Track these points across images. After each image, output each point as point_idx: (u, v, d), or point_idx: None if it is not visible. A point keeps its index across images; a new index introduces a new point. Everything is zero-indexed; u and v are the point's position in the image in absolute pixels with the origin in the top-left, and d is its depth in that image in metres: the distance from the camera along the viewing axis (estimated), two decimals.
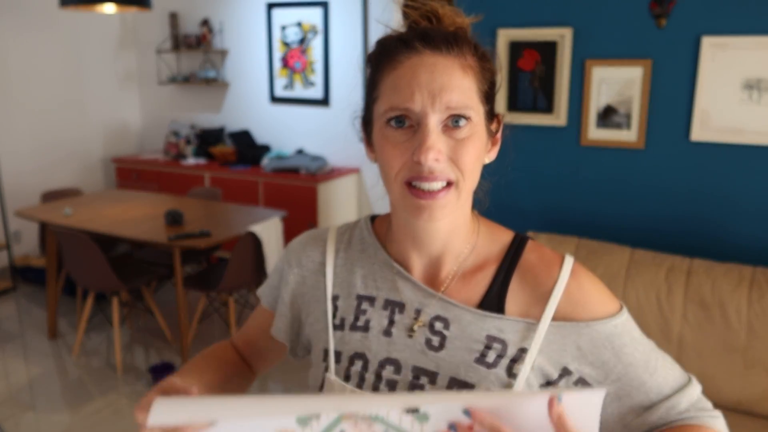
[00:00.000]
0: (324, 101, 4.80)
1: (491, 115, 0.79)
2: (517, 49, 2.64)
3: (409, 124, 0.73)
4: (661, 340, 2.19)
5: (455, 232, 0.80)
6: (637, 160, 2.53)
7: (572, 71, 2.57)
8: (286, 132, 5.05)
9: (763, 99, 2.29)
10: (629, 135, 2.51)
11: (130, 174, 5.31)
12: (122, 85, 5.62)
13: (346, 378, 0.81)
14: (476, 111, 0.74)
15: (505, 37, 2.64)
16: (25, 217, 3.67)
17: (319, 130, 4.87)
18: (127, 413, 3.00)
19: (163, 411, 0.69)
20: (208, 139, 5.22)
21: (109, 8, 3.60)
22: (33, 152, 4.86)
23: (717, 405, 2.37)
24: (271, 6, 4.86)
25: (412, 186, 0.73)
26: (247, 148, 4.97)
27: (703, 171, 2.44)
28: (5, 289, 4.49)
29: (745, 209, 2.39)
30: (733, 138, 2.35)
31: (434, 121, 0.71)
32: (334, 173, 4.60)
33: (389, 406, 0.70)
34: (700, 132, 2.40)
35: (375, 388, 0.79)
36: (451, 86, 0.72)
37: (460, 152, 0.72)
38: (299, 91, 4.90)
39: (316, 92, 4.81)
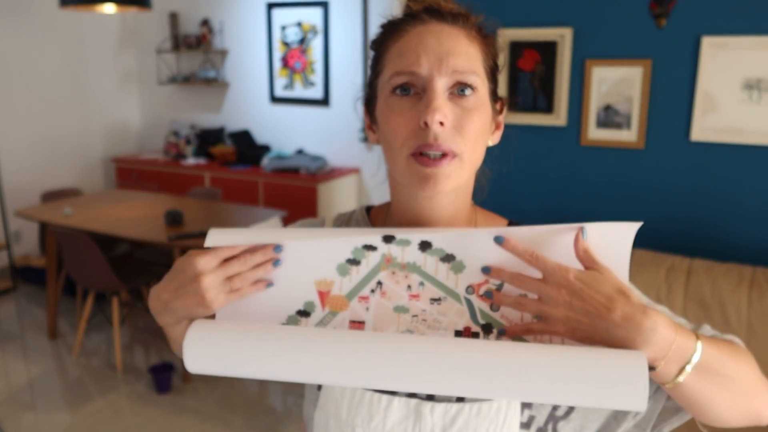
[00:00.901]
0: (324, 101, 4.79)
1: (495, 96, 0.78)
2: (517, 49, 2.64)
3: (414, 92, 0.72)
4: None
5: (456, 217, 0.79)
6: (637, 160, 2.53)
7: (572, 71, 2.57)
8: (286, 132, 5.05)
9: (763, 99, 2.29)
10: (629, 135, 2.51)
11: (130, 174, 5.31)
12: (122, 85, 5.61)
13: None
14: (482, 82, 0.74)
15: (505, 37, 2.64)
16: (25, 217, 3.67)
17: (319, 130, 4.87)
18: (127, 413, 3.00)
19: (219, 236, 0.71)
20: (208, 139, 5.22)
21: (109, 8, 3.60)
22: (33, 152, 4.86)
23: None
24: (271, 6, 4.86)
25: (417, 156, 0.72)
26: (247, 148, 4.97)
27: (703, 171, 2.44)
28: (5, 289, 4.49)
29: (745, 209, 2.39)
30: (733, 138, 2.35)
31: (441, 85, 0.71)
32: (334, 173, 4.60)
33: (426, 236, 0.72)
34: (700, 132, 2.40)
35: None
36: (457, 51, 0.72)
37: (466, 121, 0.71)
38: (299, 91, 4.90)
39: (316, 92, 4.81)
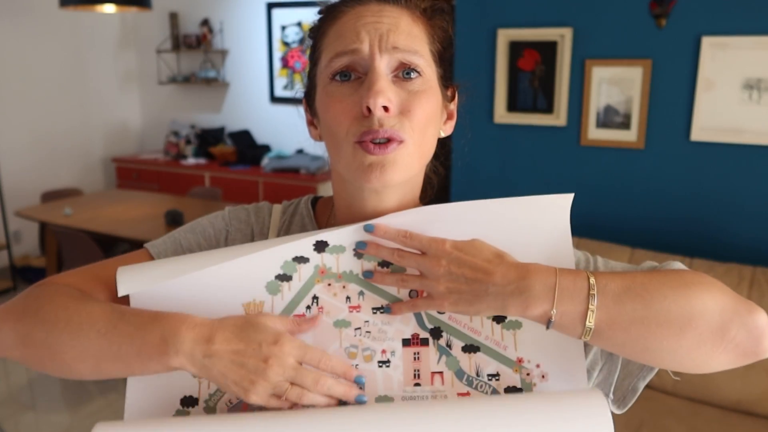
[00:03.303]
0: None
1: (446, 82, 0.73)
2: (517, 49, 2.63)
3: (355, 76, 0.67)
4: None
5: None
6: (637, 160, 2.53)
7: (572, 71, 2.57)
8: (286, 132, 5.05)
9: (763, 99, 2.29)
10: (629, 135, 2.51)
11: (130, 174, 5.31)
12: (122, 85, 5.61)
13: None
14: (428, 65, 0.69)
15: (505, 37, 2.64)
16: (25, 217, 3.67)
17: None
18: None
19: (131, 278, 0.64)
20: (208, 139, 5.22)
21: (109, 8, 3.60)
22: (33, 152, 4.86)
23: (717, 405, 2.35)
24: (271, 6, 4.86)
25: (363, 143, 0.66)
26: (247, 148, 4.97)
27: (703, 171, 2.43)
28: (5, 289, 4.48)
29: (744, 209, 2.39)
30: (733, 138, 2.35)
31: (383, 66, 0.65)
32: None
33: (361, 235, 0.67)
34: (699, 132, 2.40)
35: None
36: (399, 29, 0.66)
37: (413, 105, 0.66)
38: (299, 91, 4.89)
39: None
